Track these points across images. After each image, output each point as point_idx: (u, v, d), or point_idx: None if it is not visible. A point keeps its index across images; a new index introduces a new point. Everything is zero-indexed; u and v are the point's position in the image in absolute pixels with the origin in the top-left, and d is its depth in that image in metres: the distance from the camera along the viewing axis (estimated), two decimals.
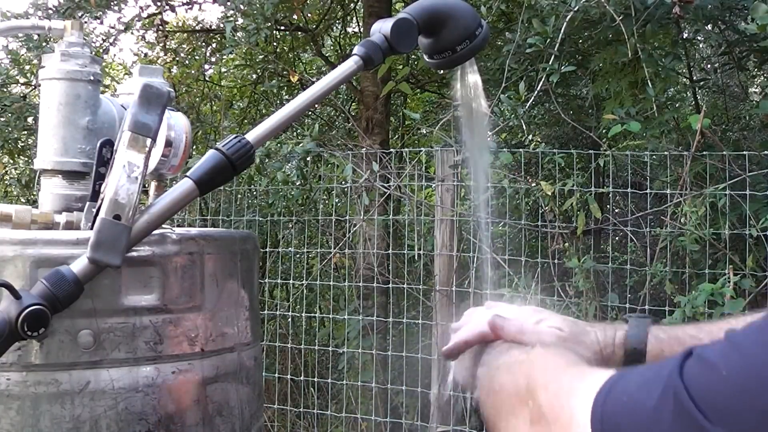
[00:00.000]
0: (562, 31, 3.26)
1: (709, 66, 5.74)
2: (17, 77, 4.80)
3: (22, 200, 4.97)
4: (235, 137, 0.96)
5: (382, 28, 1.06)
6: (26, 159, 5.00)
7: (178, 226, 1.39)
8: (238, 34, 4.29)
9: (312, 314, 3.94)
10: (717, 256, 3.17)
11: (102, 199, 0.95)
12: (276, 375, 3.73)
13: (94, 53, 1.23)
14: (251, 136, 0.98)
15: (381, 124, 4.74)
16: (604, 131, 3.74)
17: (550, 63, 3.33)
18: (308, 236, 4.15)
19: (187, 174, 0.95)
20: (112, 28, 4.93)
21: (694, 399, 0.53)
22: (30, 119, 4.34)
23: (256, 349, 1.17)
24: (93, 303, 0.95)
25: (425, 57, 1.11)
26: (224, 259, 1.09)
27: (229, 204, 4.00)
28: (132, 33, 5.23)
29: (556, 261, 3.20)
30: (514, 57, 3.54)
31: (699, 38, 4.82)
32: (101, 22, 4.76)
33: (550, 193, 3.19)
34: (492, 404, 0.80)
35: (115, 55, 7.41)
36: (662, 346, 0.91)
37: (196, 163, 0.96)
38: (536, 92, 3.40)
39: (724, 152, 3.01)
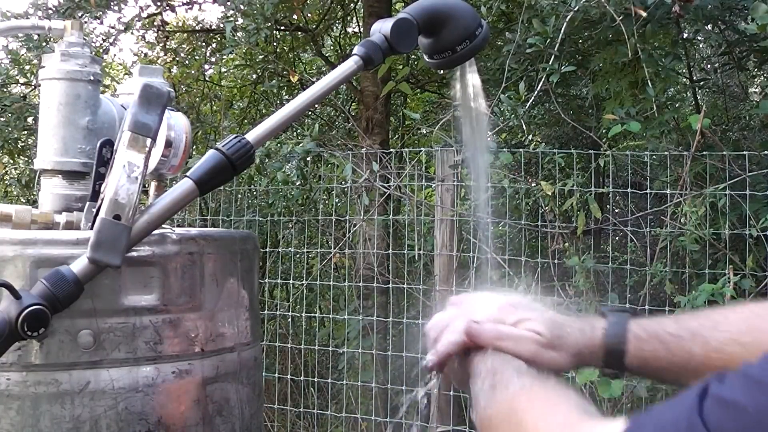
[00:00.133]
0: (562, 31, 3.26)
1: (709, 66, 5.74)
2: (17, 77, 4.80)
3: (22, 200, 4.97)
4: (235, 137, 0.96)
5: (382, 28, 1.06)
6: (26, 159, 5.00)
7: (178, 226, 1.39)
8: (238, 34, 4.29)
9: (312, 314, 3.94)
10: (717, 256, 3.17)
11: (102, 199, 0.95)
12: (276, 375, 3.73)
13: (94, 53, 1.23)
14: (251, 136, 0.98)
15: (381, 124, 4.74)
16: (604, 131, 3.74)
17: (550, 63, 3.33)
18: (308, 236, 4.15)
19: (187, 174, 0.95)
20: (112, 28, 4.93)
21: None
22: (30, 119, 4.34)
23: (256, 349, 1.17)
24: (93, 303, 0.95)
25: (425, 57, 1.11)
26: (224, 259, 1.09)
27: (229, 204, 4.00)
28: (132, 33, 5.23)
29: (556, 261, 3.20)
30: (514, 57, 3.53)
31: (699, 38, 4.82)
32: (101, 22, 4.76)
33: (550, 193, 3.19)
34: None
35: (115, 55, 7.41)
36: (642, 346, 0.89)
37: (196, 163, 0.96)
38: (536, 92, 3.40)
39: (724, 152, 3.01)
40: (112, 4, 4.62)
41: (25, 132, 4.49)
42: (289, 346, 3.69)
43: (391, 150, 3.88)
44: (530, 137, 5.17)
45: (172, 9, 5.37)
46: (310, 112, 5.60)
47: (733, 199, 2.93)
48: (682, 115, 4.12)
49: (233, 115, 5.91)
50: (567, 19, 3.24)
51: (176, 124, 1.12)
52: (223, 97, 5.90)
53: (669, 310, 2.96)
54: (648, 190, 3.25)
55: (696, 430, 0.52)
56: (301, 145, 3.70)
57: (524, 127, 3.73)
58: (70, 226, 1.17)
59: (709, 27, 4.28)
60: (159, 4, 5.17)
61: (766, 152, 3.12)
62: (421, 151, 3.62)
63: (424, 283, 3.48)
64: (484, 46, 1.10)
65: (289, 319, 3.82)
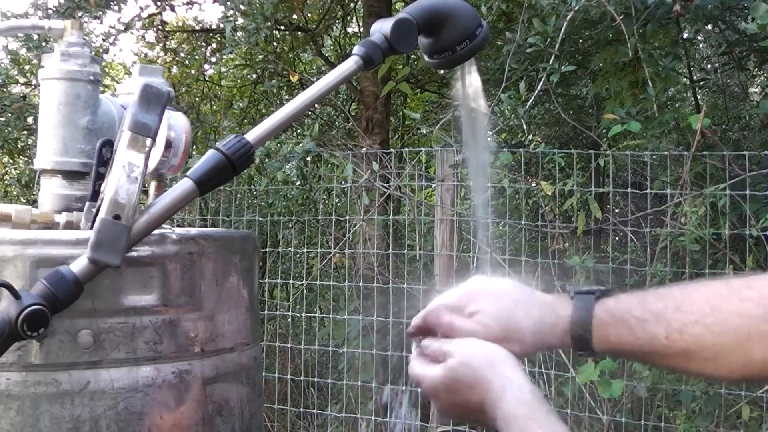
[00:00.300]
0: (562, 30, 3.26)
1: (709, 66, 5.74)
2: (17, 77, 4.81)
3: (22, 200, 4.97)
4: (235, 137, 0.96)
5: (382, 28, 1.06)
6: (26, 159, 5.00)
7: (178, 226, 1.39)
8: (238, 34, 4.29)
9: (312, 314, 3.94)
10: (717, 256, 3.17)
11: (102, 199, 0.95)
12: (276, 375, 3.73)
13: (94, 53, 1.23)
14: (251, 136, 0.98)
15: (381, 124, 4.74)
16: (604, 131, 3.74)
17: (550, 63, 3.33)
18: (308, 236, 4.15)
19: (187, 174, 0.95)
20: (112, 28, 4.93)
21: None
22: (30, 119, 4.34)
23: (256, 349, 1.17)
24: (93, 303, 0.95)
25: (425, 57, 1.11)
26: (224, 259, 1.09)
27: (229, 204, 4.00)
28: (132, 33, 5.24)
29: (556, 261, 3.20)
30: (514, 57, 3.54)
31: (699, 38, 4.82)
32: (101, 22, 4.77)
33: (550, 193, 3.19)
34: None
35: (115, 55, 7.43)
36: (608, 330, 0.90)
37: (196, 163, 0.96)
38: (536, 92, 3.41)
39: (724, 152, 3.01)
40: (112, 4, 4.62)
41: (25, 132, 4.49)
42: (289, 346, 3.69)
43: (391, 150, 3.88)
44: (530, 137, 5.17)
45: (172, 9, 5.38)
46: (310, 112, 5.60)
47: (733, 199, 2.93)
48: (682, 115, 4.12)
49: (233, 115, 5.91)
50: (567, 19, 3.25)
51: (176, 124, 1.12)
52: (223, 97, 5.90)
53: None
54: (648, 190, 3.25)
55: None
56: (301, 145, 3.71)
57: (524, 127, 3.73)
58: (70, 226, 1.17)
59: (709, 27, 4.29)
60: (159, 4, 5.17)
61: (766, 152, 3.12)
62: (421, 151, 3.62)
63: (424, 283, 3.48)
64: (484, 46, 1.10)
65: (289, 319, 3.82)
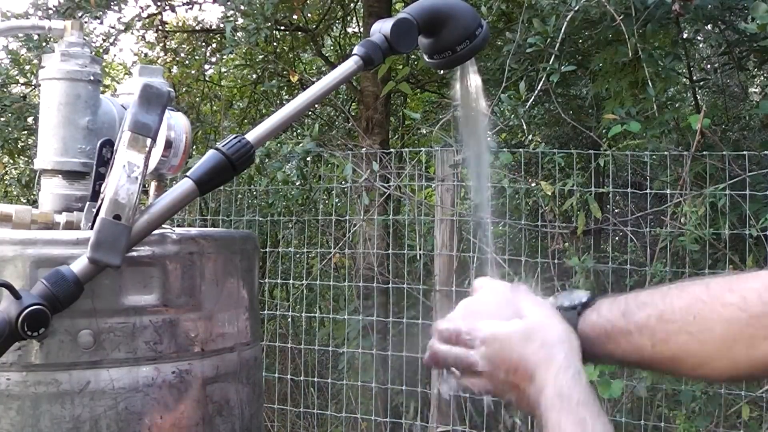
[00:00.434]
0: (562, 30, 3.26)
1: (709, 66, 5.74)
2: (17, 77, 4.81)
3: (22, 200, 4.97)
4: (235, 137, 0.96)
5: (382, 28, 1.06)
6: (26, 159, 5.00)
7: (178, 226, 1.39)
8: (238, 34, 4.29)
9: (312, 314, 3.94)
10: (717, 256, 3.17)
11: (102, 199, 0.95)
12: (276, 375, 3.73)
13: (94, 53, 1.23)
14: (251, 136, 0.98)
15: (381, 124, 4.74)
16: (604, 131, 3.74)
17: (550, 63, 3.33)
18: (308, 236, 4.15)
19: (187, 174, 0.95)
20: (112, 28, 4.93)
21: None
22: (30, 119, 4.34)
23: (256, 349, 1.17)
24: (93, 303, 0.95)
25: (425, 57, 1.11)
26: (224, 259, 1.09)
27: (229, 204, 4.00)
28: (132, 33, 5.24)
29: (556, 261, 3.20)
30: (514, 57, 3.54)
31: (699, 38, 4.82)
32: (101, 22, 4.76)
33: (550, 193, 3.19)
34: None
35: (115, 55, 7.42)
36: (594, 345, 0.90)
37: (196, 163, 0.96)
38: (536, 92, 3.41)
39: (724, 152, 3.01)
40: (112, 4, 4.62)
41: (25, 132, 4.50)
42: (289, 346, 3.69)
43: (391, 150, 3.88)
44: (530, 137, 5.17)
45: (172, 9, 5.38)
46: (310, 112, 5.60)
47: (733, 199, 2.93)
48: (682, 115, 4.12)
49: (233, 115, 5.91)
50: (567, 19, 3.25)
51: (176, 124, 1.12)
52: (223, 97, 5.90)
53: None
54: (648, 190, 3.25)
55: None
56: (301, 145, 3.71)
57: (524, 127, 3.73)
58: (70, 226, 1.17)
59: (709, 27, 4.29)
60: (159, 4, 5.18)
61: (766, 152, 3.12)
62: (421, 151, 3.62)
63: (424, 283, 3.48)
64: (484, 46, 1.10)
65: (289, 319, 3.83)
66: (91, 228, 0.96)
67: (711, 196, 2.97)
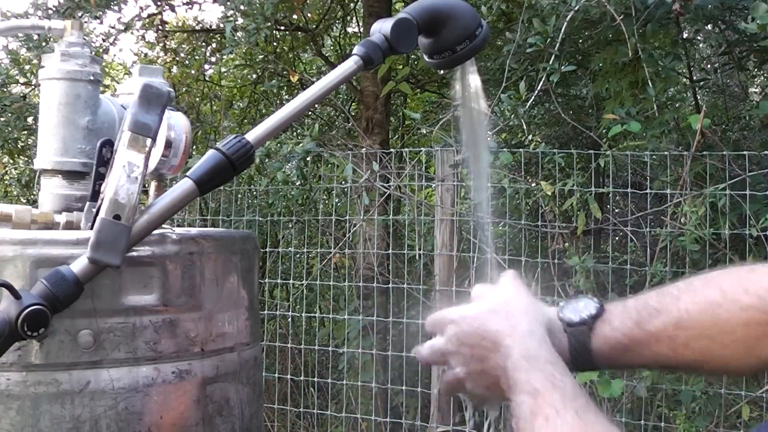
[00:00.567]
0: (562, 30, 3.26)
1: (709, 66, 5.74)
2: (17, 77, 4.81)
3: (22, 200, 4.97)
4: (235, 137, 0.96)
5: (382, 28, 1.06)
6: (26, 159, 5.00)
7: (178, 226, 1.39)
8: (238, 34, 4.29)
9: (312, 314, 3.94)
10: (717, 256, 3.17)
11: (102, 199, 0.95)
12: (276, 375, 3.73)
13: (94, 53, 1.23)
14: (251, 136, 0.98)
15: (381, 124, 4.74)
16: (604, 131, 3.74)
17: (550, 63, 3.33)
18: (308, 236, 4.15)
19: (187, 174, 0.95)
20: (112, 28, 4.93)
21: None
22: (30, 119, 4.34)
23: (256, 349, 1.17)
24: (93, 303, 0.95)
25: (425, 57, 1.11)
26: (224, 259, 1.09)
27: (229, 204, 4.00)
28: (132, 33, 5.24)
29: (556, 261, 3.20)
30: (514, 57, 3.54)
31: (699, 38, 4.82)
32: (101, 22, 4.77)
33: (550, 193, 3.19)
34: None
35: (115, 55, 7.43)
36: (611, 358, 0.90)
37: (196, 163, 0.96)
38: (536, 92, 3.41)
39: (724, 152, 3.01)
40: (112, 4, 4.62)
41: (25, 132, 4.50)
42: (289, 346, 3.69)
43: (391, 150, 3.88)
44: (530, 137, 5.17)
45: (172, 9, 5.37)
46: (310, 112, 5.60)
47: (733, 199, 2.93)
48: (682, 115, 4.12)
49: (233, 115, 5.91)
50: (567, 19, 3.25)
51: (176, 124, 1.12)
52: (223, 97, 5.90)
53: None
54: (648, 190, 3.25)
55: None
56: (301, 145, 3.71)
57: (524, 127, 3.73)
58: (70, 226, 1.17)
59: (709, 27, 4.29)
60: (159, 4, 5.17)
61: (766, 152, 3.12)
62: (421, 151, 3.62)
63: (424, 283, 3.48)
64: (484, 46, 1.10)
65: (289, 319, 3.83)
66: (91, 228, 0.96)
67: (711, 196, 2.97)
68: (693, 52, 4.90)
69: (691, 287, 0.89)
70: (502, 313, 0.89)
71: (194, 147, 4.76)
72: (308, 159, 3.83)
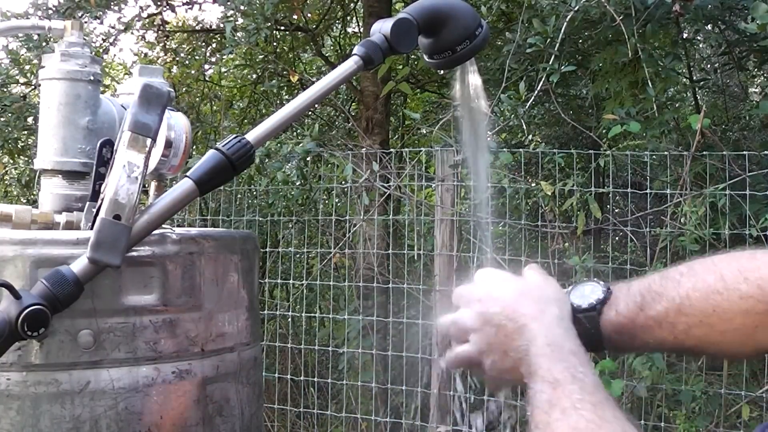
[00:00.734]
0: (562, 31, 3.26)
1: (709, 66, 5.74)
2: (17, 77, 4.80)
3: (22, 200, 4.98)
4: (235, 137, 0.96)
5: (382, 28, 1.06)
6: (26, 159, 5.00)
7: (178, 226, 1.39)
8: (238, 34, 4.29)
9: (312, 314, 3.94)
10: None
11: (102, 199, 0.95)
12: (276, 375, 3.73)
13: (94, 53, 1.23)
14: (251, 136, 0.98)
15: (381, 124, 4.74)
16: (604, 131, 3.74)
17: (550, 63, 3.33)
18: (308, 236, 4.15)
19: (187, 174, 0.95)
20: (112, 28, 4.93)
21: None
22: (30, 119, 4.34)
23: (256, 349, 1.17)
24: (93, 303, 0.95)
25: (425, 57, 1.11)
26: (224, 259, 1.09)
27: (229, 204, 4.00)
28: (132, 33, 5.24)
29: (556, 261, 3.20)
30: (514, 57, 3.54)
31: (699, 38, 4.82)
32: (101, 22, 4.77)
33: (550, 193, 3.19)
34: None
35: (115, 55, 7.43)
36: (618, 342, 0.92)
37: (196, 163, 0.96)
38: (536, 92, 3.41)
39: (724, 152, 3.01)
40: (112, 4, 4.62)
41: (25, 132, 4.49)
42: (289, 346, 3.69)
43: (391, 150, 3.88)
44: (530, 137, 5.17)
45: (172, 9, 5.37)
46: (310, 112, 5.60)
47: (733, 199, 2.93)
48: (682, 115, 4.12)
49: (233, 115, 5.91)
50: (567, 19, 3.25)
51: (176, 124, 1.12)
52: (223, 97, 5.90)
53: None
54: (648, 190, 3.25)
55: None
56: (301, 145, 3.71)
57: (524, 127, 3.73)
58: (70, 226, 1.17)
59: (709, 27, 4.29)
60: (159, 4, 5.17)
61: (766, 152, 3.12)
62: (421, 151, 3.62)
63: (424, 283, 3.48)
64: (484, 46, 1.10)
65: (289, 319, 3.82)
66: (91, 228, 0.96)
67: (711, 196, 2.97)
68: (693, 52, 4.90)
69: (693, 271, 0.90)
70: (532, 296, 0.90)
71: (194, 147, 4.76)
72: (308, 159, 3.83)
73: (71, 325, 0.94)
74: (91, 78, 1.20)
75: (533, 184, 3.39)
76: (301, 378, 3.67)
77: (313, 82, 1.08)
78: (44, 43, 4.14)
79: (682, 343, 0.89)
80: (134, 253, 0.97)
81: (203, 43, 5.83)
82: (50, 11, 4.46)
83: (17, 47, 4.63)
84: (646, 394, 3.05)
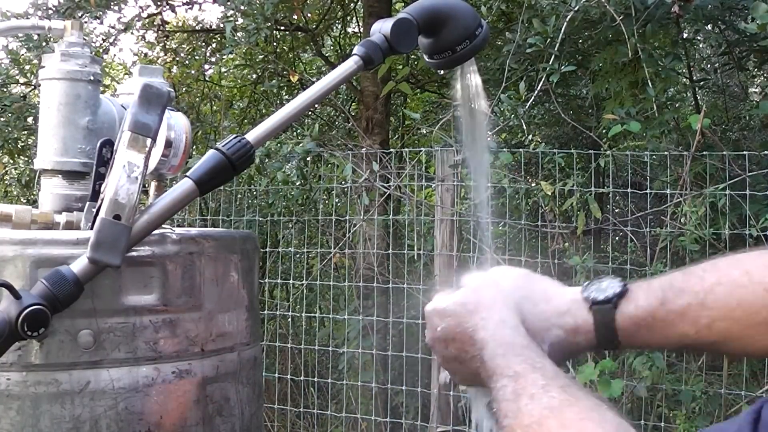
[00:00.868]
0: (562, 31, 3.26)
1: (709, 66, 5.74)
2: (17, 77, 4.80)
3: (22, 200, 4.98)
4: (235, 137, 0.96)
5: (382, 28, 1.06)
6: (26, 159, 5.00)
7: (178, 226, 1.39)
8: (238, 34, 4.29)
9: (312, 314, 3.94)
10: (717, 256, 3.16)
11: (102, 199, 0.95)
12: (276, 375, 3.73)
13: (94, 53, 1.23)
14: (251, 136, 0.98)
15: (381, 124, 4.74)
16: (604, 131, 3.74)
17: (550, 63, 3.33)
18: (308, 236, 4.15)
19: (187, 174, 0.95)
20: (112, 28, 4.93)
21: None
22: (30, 119, 4.34)
23: (256, 349, 1.17)
24: (93, 303, 0.95)
25: (425, 57, 1.11)
26: (224, 259, 1.09)
27: (229, 204, 4.00)
28: (132, 33, 5.24)
29: (556, 261, 3.20)
30: (514, 57, 3.54)
31: (699, 38, 4.82)
32: (101, 22, 4.77)
33: (550, 193, 3.19)
34: None
35: (115, 55, 7.42)
36: (635, 337, 0.90)
37: (196, 163, 0.96)
38: (536, 92, 3.41)
39: (724, 152, 3.01)
40: (112, 4, 4.62)
41: (25, 132, 4.49)
42: (289, 346, 3.69)
43: (391, 150, 3.88)
44: (530, 137, 5.17)
45: (172, 9, 5.38)
46: (310, 112, 5.60)
47: (733, 199, 2.93)
48: (682, 115, 4.12)
49: (233, 115, 5.91)
50: (567, 19, 3.25)
51: (176, 124, 1.12)
52: (223, 97, 5.90)
53: None
54: (648, 190, 3.25)
55: None
56: (301, 145, 3.71)
57: (524, 127, 3.73)
58: (70, 226, 1.17)
59: (709, 27, 4.29)
60: (159, 4, 5.18)
61: (766, 152, 3.12)
62: (421, 151, 3.62)
63: (424, 283, 3.48)
64: (485, 46, 1.10)
65: (289, 319, 3.83)
66: (91, 228, 0.96)
67: (711, 196, 2.97)
68: (693, 52, 4.90)
69: (716, 267, 0.89)
70: (471, 305, 0.90)
71: (194, 147, 4.76)
72: (308, 159, 3.84)
73: (71, 325, 0.94)
74: (91, 78, 1.20)
75: (533, 184, 3.39)
76: (301, 378, 3.67)
77: (313, 82, 1.08)
78: (44, 43, 4.14)
79: (704, 338, 0.87)
80: (134, 253, 0.97)
81: (203, 43, 5.83)
82: (50, 11, 4.46)
83: (17, 47, 4.63)
84: (646, 394, 3.05)
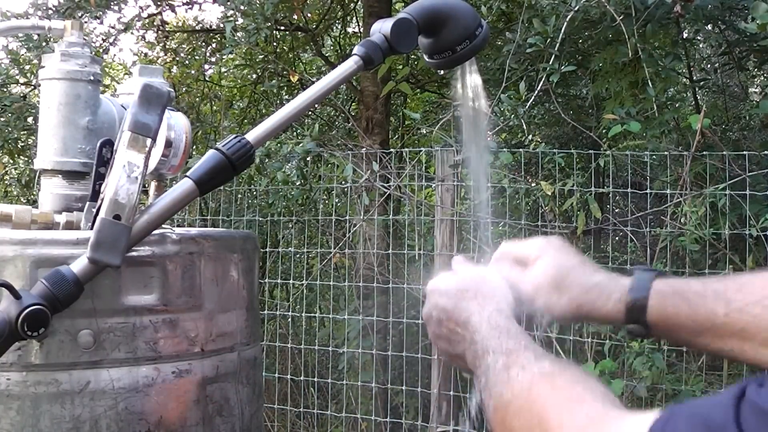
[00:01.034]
0: (562, 31, 3.26)
1: (709, 66, 5.74)
2: (17, 77, 4.80)
3: (22, 200, 4.97)
4: (235, 137, 0.97)
5: (382, 28, 1.06)
6: (26, 159, 5.00)
7: (178, 226, 1.39)
8: (238, 34, 4.29)
9: (312, 314, 3.94)
10: (717, 256, 3.17)
11: (102, 199, 0.95)
12: (276, 375, 3.73)
13: (94, 53, 1.23)
14: (251, 136, 0.98)
15: (381, 124, 4.74)
16: (604, 131, 3.74)
17: (550, 63, 3.33)
18: (308, 236, 4.15)
19: (187, 174, 0.96)
20: (112, 28, 4.93)
21: None
22: (30, 119, 4.34)
23: (256, 349, 1.17)
24: (93, 303, 0.95)
25: (425, 57, 1.11)
26: (224, 259, 1.09)
27: (229, 204, 4.00)
28: (132, 33, 5.24)
29: None
30: (514, 57, 3.53)
31: (699, 38, 4.82)
32: (101, 22, 4.77)
33: (550, 193, 3.19)
34: None
35: (115, 55, 7.42)
36: (666, 302, 0.89)
37: (196, 163, 0.96)
38: (536, 92, 3.40)
39: (724, 152, 3.01)
40: (112, 4, 4.62)
41: (25, 132, 4.49)
42: (289, 346, 3.69)
43: (391, 150, 3.88)
44: (530, 137, 5.17)
45: (172, 9, 5.37)
46: (310, 112, 5.60)
47: (733, 199, 2.93)
48: (682, 115, 4.12)
49: (233, 115, 5.91)
50: (567, 19, 3.25)
51: (176, 124, 1.12)
52: (223, 97, 5.90)
53: None
54: (648, 190, 3.25)
55: (728, 431, 0.52)
56: (301, 145, 3.70)
57: (524, 127, 3.73)
58: (70, 226, 1.17)
59: (709, 27, 4.29)
60: (159, 4, 5.17)
61: (766, 152, 3.12)
62: (421, 151, 3.62)
63: (424, 283, 3.48)
64: (484, 46, 1.10)
65: (289, 319, 3.82)
66: (91, 228, 0.96)
67: (711, 196, 2.97)
68: (693, 52, 4.90)
69: (754, 275, 0.88)
70: (471, 292, 0.92)
71: (194, 147, 4.76)
72: (308, 159, 3.83)
73: (71, 325, 0.94)
74: (91, 78, 1.20)
75: (533, 184, 3.39)
76: (301, 378, 3.67)
77: (313, 82, 1.08)
78: (44, 43, 4.14)
79: (731, 322, 0.84)
80: (134, 253, 0.97)
81: (203, 43, 5.83)
82: (50, 11, 4.46)
83: (17, 47, 4.63)
84: (646, 394, 3.05)
